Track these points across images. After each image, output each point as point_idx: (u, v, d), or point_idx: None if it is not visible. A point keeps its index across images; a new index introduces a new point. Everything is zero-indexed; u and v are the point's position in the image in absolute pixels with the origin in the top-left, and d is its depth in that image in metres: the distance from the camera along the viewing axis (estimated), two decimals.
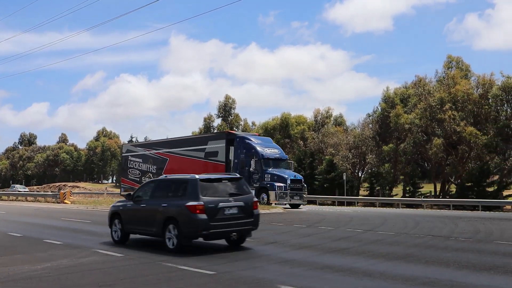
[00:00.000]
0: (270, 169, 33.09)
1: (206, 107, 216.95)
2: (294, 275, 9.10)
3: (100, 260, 11.10)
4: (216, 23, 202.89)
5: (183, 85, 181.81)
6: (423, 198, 50.36)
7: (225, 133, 37.43)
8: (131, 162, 44.39)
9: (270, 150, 34.35)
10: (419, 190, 57.71)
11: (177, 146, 40.36)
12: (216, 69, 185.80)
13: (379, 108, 62.12)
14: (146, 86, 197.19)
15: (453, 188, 55.76)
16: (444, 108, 50.45)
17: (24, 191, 66.72)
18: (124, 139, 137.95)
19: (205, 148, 36.83)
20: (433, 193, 55.61)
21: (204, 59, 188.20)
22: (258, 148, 33.67)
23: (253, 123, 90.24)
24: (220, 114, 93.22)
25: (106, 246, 13.46)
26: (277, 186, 32.07)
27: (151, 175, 41.61)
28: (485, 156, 50.93)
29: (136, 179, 43.28)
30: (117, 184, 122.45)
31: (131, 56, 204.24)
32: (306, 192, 34.67)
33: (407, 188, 57.15)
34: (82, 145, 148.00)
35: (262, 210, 26.99)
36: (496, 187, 50.19)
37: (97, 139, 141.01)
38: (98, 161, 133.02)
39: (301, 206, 34.10)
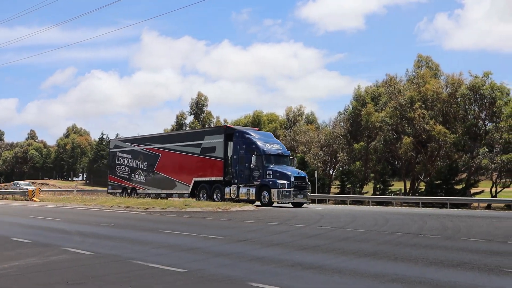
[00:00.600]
0: (272, 166, 31.59)
1: (178, 104, 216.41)
2: (265, 273, 9.12)
3: (70, 259, 10.96)
4: (189, 20, 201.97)
5: (155, 82, 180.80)
6: (393, 195, 50.96)
7: (223, 128, 35.94)
8: (119, 159, 42.76)
9: (272, 145, 32.83)
10: (389, 188, 58.41)
11: (170, 141, 38.87)
12: (188, 66, 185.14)
13: (350, 106, 62.63)
14: (118, 82, 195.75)
15: (422, 186, 56.57)
16: (414, 107, 51.12)
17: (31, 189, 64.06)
18: (95, 136, 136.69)
19: (201, 144, 35.32)
20: (403, 191, 56.30)
21: (177, 56, 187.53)
22: (259, 143, 32.15)
23: (225, 121, 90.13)
24: (193, 111, 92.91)
25: (75, 244, 13.30)
26: (280, 183, 30.58)
27: (141, 172, 40.43)
28: (453, 154, 51.79)
29: (125, 176, 41.99)
30: (87, 181, 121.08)
31: (102, 52, 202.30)
32: (310, 190, 33.15)
33: (378, 186, 57.79)
34: (51, 142, 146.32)
35: (233, 207, 27.11)
36: (464, 185, 51.08)
37: (67, 136, 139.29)
38: (68, 158, 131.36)
39: (305, 205, 32.68)
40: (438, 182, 50.75)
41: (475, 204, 43.49)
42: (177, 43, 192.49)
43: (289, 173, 31.10)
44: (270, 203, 30.65)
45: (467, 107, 51.69)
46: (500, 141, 47.47)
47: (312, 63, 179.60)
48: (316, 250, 11.95)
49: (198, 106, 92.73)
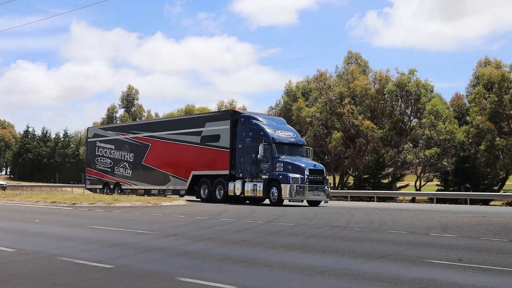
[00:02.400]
0: (283, 157, 27.21)
1: (109, 97, 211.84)
2: (194, 267, 9.08)
3: None
4: (120, 11, 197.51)
5: (84, 74, 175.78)
6: None
7: (229, 112, 30.77)
8: (99, 149, 38.17)
9: (283, 133, 28.54)
10: None
11: (162, 129, 34.20)
12: (119, 59, 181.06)
13: (282, 101, 63.33)
14: (45, 74, 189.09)
15: (351, 180, 57.96)
16: (343, 103, 52.24)
17: None
18: (19, 129, 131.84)
19: (202, 131, 30.72)
20: (332, 185, 57.44)
21: (107, 48, 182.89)
22: (268, 130, 27.81)
23: (157, 114, 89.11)
24: (123, 104, 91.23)
25: None
26: (292, 178, 26.19)
27: (126, 165, 35.95)
28: (381, 149, 53.33)
29: (106, 169, 37.58)
30: (12, 176, 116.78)
31: (29, 42, 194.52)
32: (329, 186, 29.00)
33: None
34: None
35: (163, 202, 26.86)
36: (390, 179, 52.70)
37: None
38: None
39: (323, 203, 28.46)
40: (366, 176, 52.13)
41: (401, 198, 45.00)
42: (108, 35, 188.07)
43: (303, 165, 26.82)
44: (280, 201, 26.74)
45: (393, 103, 53.35)
46: (423, 136, 49.25)
47: (246, 57, 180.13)
48: (245, 244, 12.01)
49: (129, 99, 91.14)
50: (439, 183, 53.54)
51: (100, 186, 37.88)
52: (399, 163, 51.80)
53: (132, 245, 11.94)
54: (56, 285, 7.78)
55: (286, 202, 27.78)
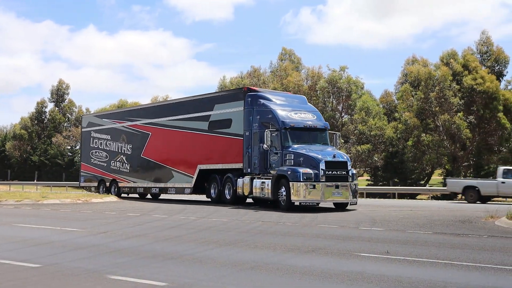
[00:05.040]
0: (296, 146, 21.07)
1: (38, 92, 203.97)
2: (124, 265, 8.97)
3: None
4: (50, 2, 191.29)
5: (11, 67, 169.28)
6: None
7: (242, 91, 24.34)
8: (94, 141, 32.93)
9: (300, 114, 22.34)
10: None
11: (164, 114, 28.42)
12: (49, 52, 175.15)
13: None
14: None
15: None
16: None
17: None
18: None
19: (210, 116, 25.15)
20: None
21: (37, 40, 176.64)
22: (279, 112, 21.82)
23: (87, 110, 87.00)
24: (53, 99, 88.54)
25: None
26: (303, 173, 19.81)
27: (123, 158, 30.65)
28: None
29: (101, 164, 32.23)
30: None
31: None
32: (356, 183, 21.45)
33: None
34: None
35: (94, 199, 26.36)
36: None
37: None
38: None
39: (351, 206, 21.37)
40: None
41: None
42: (37, 27, 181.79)
43: (319, 156, 20.32)
44: (289, 204, 20.12)
45: (325, 99, 54.31)
46: (354, 132, 50.38)
47: (181, 52, 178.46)
48: (177, 241, 11.96)
49: (59, 94, 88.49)
50: (369, 178, 54.95)
51: (95, 184, 32.89)
52: None
53: (60, 243, 11.65)
54: None
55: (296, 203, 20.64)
